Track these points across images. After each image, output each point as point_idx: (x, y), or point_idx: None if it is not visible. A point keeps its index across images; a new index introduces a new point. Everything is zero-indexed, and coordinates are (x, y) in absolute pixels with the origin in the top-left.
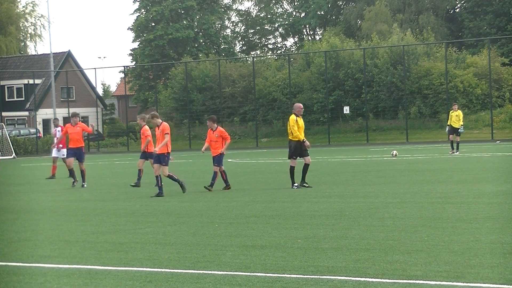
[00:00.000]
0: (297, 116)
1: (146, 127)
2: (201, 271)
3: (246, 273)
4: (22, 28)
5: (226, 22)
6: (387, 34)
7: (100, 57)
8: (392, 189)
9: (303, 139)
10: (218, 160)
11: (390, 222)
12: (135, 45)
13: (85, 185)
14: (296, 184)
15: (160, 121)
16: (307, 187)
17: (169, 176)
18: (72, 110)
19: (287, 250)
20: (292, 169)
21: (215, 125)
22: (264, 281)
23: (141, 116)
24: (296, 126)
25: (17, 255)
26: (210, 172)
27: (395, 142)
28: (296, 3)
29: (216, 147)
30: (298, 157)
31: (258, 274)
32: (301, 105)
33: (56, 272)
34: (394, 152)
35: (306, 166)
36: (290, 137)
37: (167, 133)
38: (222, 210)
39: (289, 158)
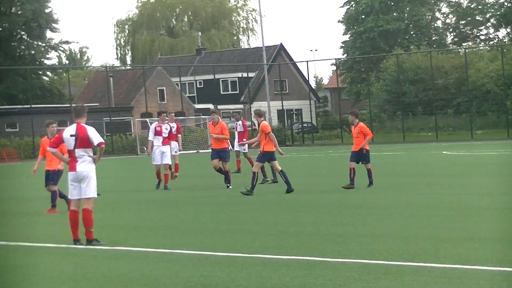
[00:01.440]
0: None
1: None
2: (419, 264)
3: (465, 266)
4: (234, 22)
5: (437, 13)
6: None
7: (311, 50)
8: None
9: None
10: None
11: None
12: (346, 37)
13: (230, 186)
14: None
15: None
16: None
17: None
18: (286, 103)
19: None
20: None
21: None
22: (484, 273)
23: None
24: None
25: (229, 246)
26: (415, 166)
27: None
28: None
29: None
30: None
31: (479, 267)
32: None
33: (275, 263)
34: None
35: None
36: None
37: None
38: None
39: None
